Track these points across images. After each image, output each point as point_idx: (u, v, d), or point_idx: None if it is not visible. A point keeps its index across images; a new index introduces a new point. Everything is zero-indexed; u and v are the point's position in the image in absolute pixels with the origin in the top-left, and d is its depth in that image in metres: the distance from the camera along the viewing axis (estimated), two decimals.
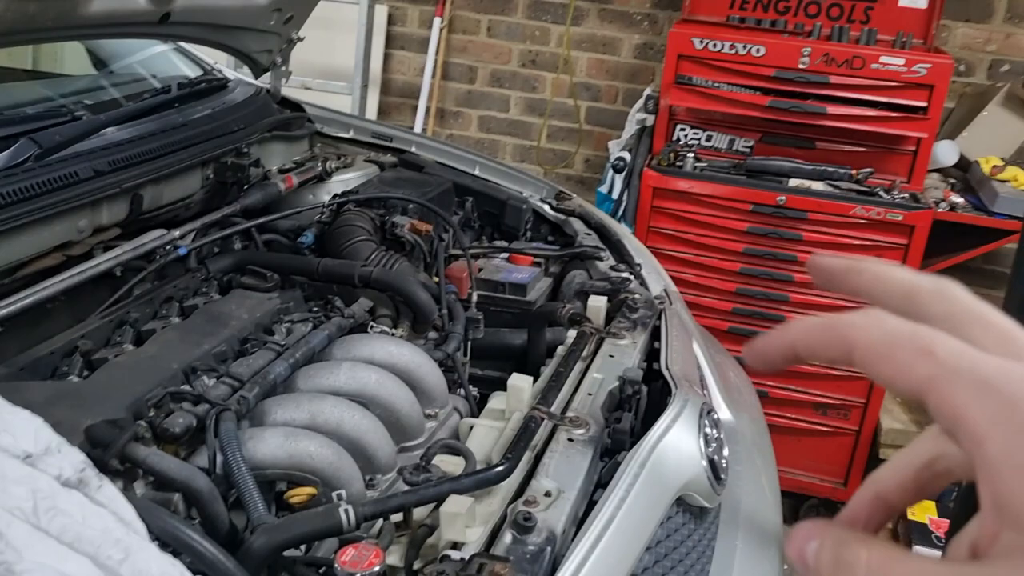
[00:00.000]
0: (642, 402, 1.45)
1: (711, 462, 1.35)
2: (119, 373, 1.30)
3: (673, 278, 2.19)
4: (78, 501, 0.96)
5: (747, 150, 3.25)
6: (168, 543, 0.98)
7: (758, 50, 3.04)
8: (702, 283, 3.21)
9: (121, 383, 1.27)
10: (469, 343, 1.76)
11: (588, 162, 4.21)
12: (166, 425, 1.20)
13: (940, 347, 0.38)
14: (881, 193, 3.06)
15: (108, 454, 1.11)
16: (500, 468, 1.18)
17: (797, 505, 3.42)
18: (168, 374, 1.30)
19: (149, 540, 0.96)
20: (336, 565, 0.98)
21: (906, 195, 3.08)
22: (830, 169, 3.10)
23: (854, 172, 3.11)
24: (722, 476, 1.39)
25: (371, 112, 4.08)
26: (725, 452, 1.42)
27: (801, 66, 3.03)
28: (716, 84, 3.10)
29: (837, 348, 0.41)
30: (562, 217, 2.26)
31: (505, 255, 2.08)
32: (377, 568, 0.98)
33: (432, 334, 1.71)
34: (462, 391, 1.66)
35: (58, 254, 1.54)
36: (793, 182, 3.10)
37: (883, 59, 2.98)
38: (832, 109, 3.04)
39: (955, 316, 0.41)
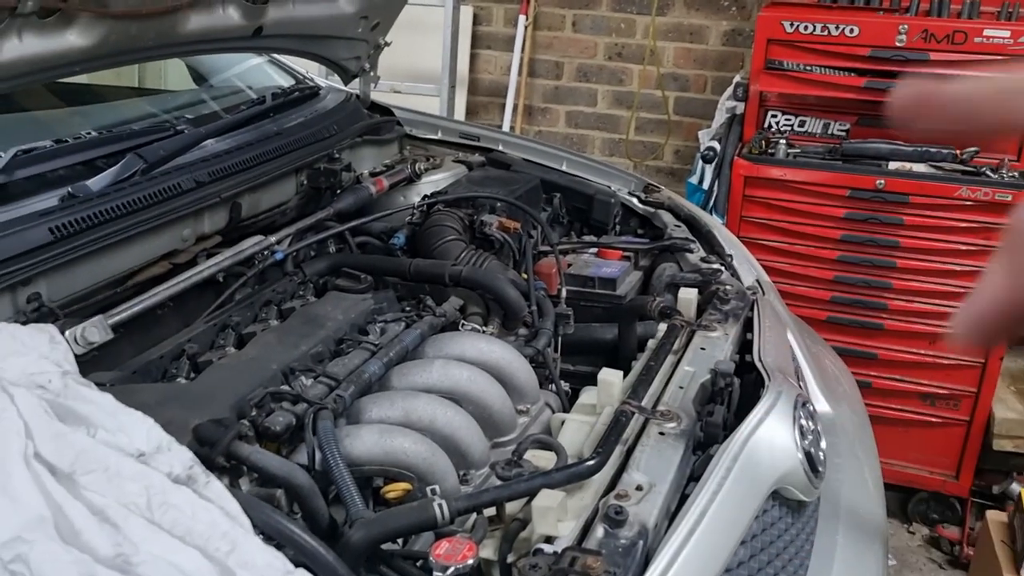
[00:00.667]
0: (735, 395, 1.43)
1: (807, 454, 1.32)
2: (223, 375, 1.36)
3: (767, 268, 2.15)
4: (187, 497, 1.01)
5: (843, 134, 3.16)
6: (271, 536, 1.02)
7: (852, 30, 2.95)
8: (798, 272, 3.13)
9: (225, 384, 1.32)
10: (559, 339, 1.77)
11: (678, 153, 4.16)
12: (267, 424, 1.25)
13: None
14: (988, 173, 2.93)
15: (215, 452, 1.16)
16: (591, 462, 1.18)
17: (906, 499, 3.31)
18: (268, 375, 1.35)
19: (254, 534, 1.00)
20: (431, 558, 1.00)
21: (1015, 174, 2.93)
22: (932, 150, 2.99)
23: (958, 152, 2.99)
24: (820, 469, 1.36)
25: (459, 112, 4.12)
26: (823, 444, 1.39)
27: (898, 44, 2.92)
28: (808, 67, 3.02)
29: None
30: (651, 210, 2.24)
31: (594, 250, 2.08)
32: (471, 561, 1.00)
33: (522, 331, 1.72)
34: (553, 387, 1.67)
35: (165, 262, 1.62)
36: (893, 165, 2.99)
37: (987, 32, 2.85)
38: None
39: None
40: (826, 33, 2.96)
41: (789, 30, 3.00)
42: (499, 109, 4.28)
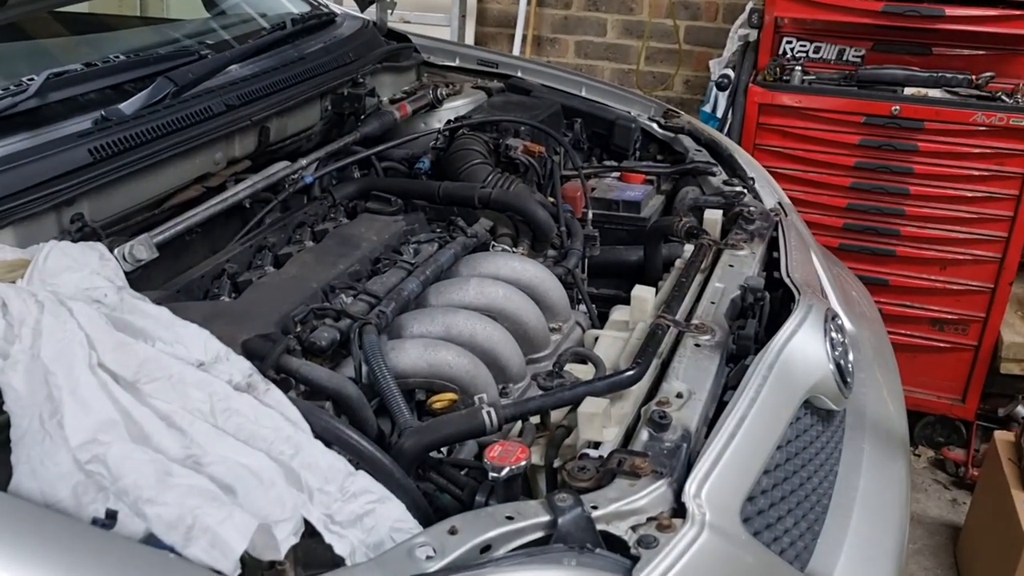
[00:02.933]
0: (765, 309, 1.46)
1: (838, 366, 1.36)
2: (265, 293, 1.38)
3: None
4: (249, 403, 1.04)
5: (858, 60, 3.14)
6: (331, 441, 1.06)
7: None
8: (811, 200, 3.14)
9: (268, 302, 1.35)
10: (586, 260, 1.79)
11: (688, 83, 4.14)
12: (313, 339, 1.28)
13: None
14: (1004, 98, 2.92)
15: (265, 365, 1.18)
16: (631, 372, 1.22)
17: (912, 423, 3.37)
18: (309, 292, 1.38)
19: (314, 438, 1.04)
20: (485, 460, 1.04)
21: None
22: (948, 75, 2.98)
23: (974, 77, 2.97)
24: (848, 380, 1.40)
25: (468, 42, 4.08)
26: (851, 356, 1.43)
27: None
28: None
29: None
30: (671, 135, 2.25)
31: (616, 174, 2.09)
32: (524, 463, 1.04)
33: (551, 252, 1.74)
34: (582, 306, 1.70)
35: (198, 185, 1.64)
36: (908, 91, 2.98)
37: None
38: (950, 11, 2.89)
39: None
40: None
41: None
42: (508, 39, 4.24)
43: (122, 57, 1.70)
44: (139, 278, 1.40)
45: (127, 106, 1.55)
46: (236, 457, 0.96)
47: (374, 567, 0.86)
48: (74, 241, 1.29)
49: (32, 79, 1.50)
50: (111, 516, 0.86)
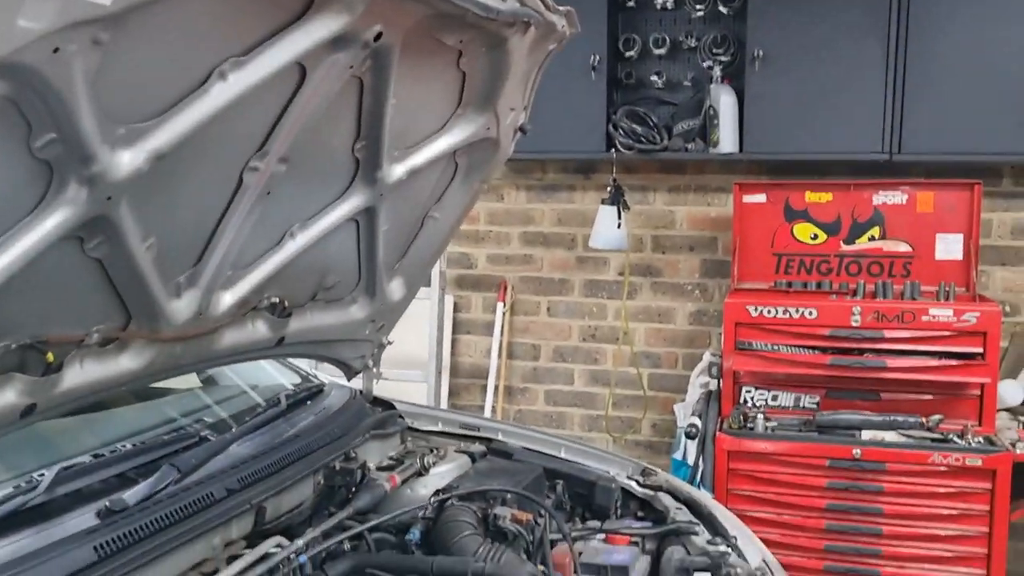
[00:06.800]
0: None
1: None
2: None
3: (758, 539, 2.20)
4: None
5: (814, 406, 3.34)
6: None
7: (810, 312, 3.22)
8: (787, 542, 3.18)
9: None
10: None
11: (655, 426, 4.31)
12: None
13: None
14: (955, 439, 3.10)
15: None
16: None
17: None
18: None
19: None
20: None
21: (981, 439, 3.10)
22: (900, 418, 3.17)
23: (924, 420, 3.16)
24: None
25: (443, 395, 4.27)
26: None
27: (854, 324, 3.19)
28: (776, 347, 3.25)
29: None
30: (650, 493, 2.32)
31: (601, 536, 2.13)
32: None
33: None
34: None
35: (195, 573, 1.64)
36: (866, 434, 3.15)
37: (932, 311, 3.14)
38: (891, 362, 3.15)
39: None
40: (788, 316, 3.23)
41: (754, 314, 3.26)
42: (480, 390, 4.45)
43: (128, 445, 1.79)
44: None
45: (131, 496, 1.60)
46: None
47: None
48: None
49: (42, 474, 1.56)
50: None
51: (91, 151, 1.14)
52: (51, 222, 1.18)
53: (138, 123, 1.21)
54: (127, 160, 1.20)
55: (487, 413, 4.26)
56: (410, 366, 4.03)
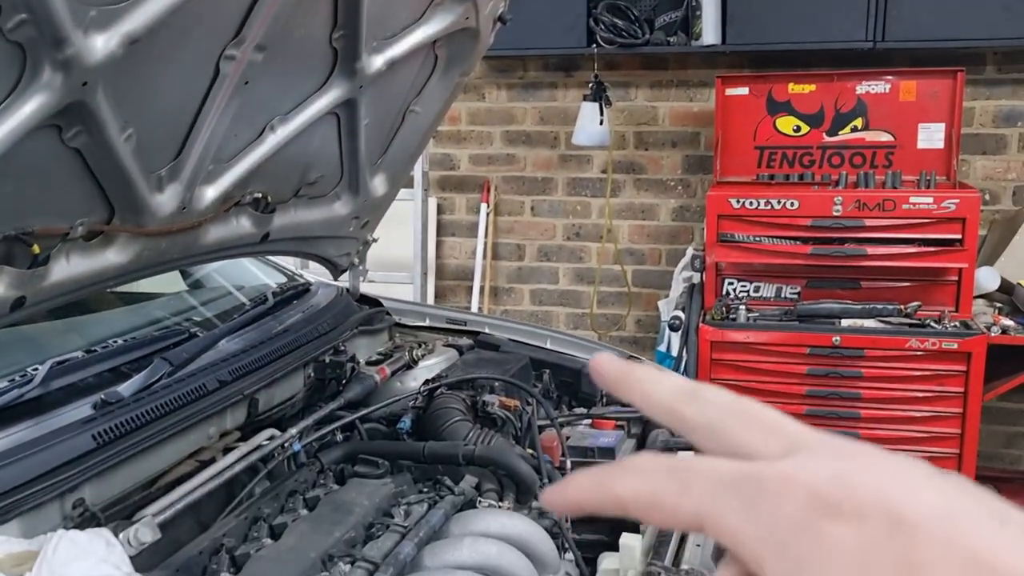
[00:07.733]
0: None
1: None
2: (264, 566, 1.41)
3: None
4: None
5: (795, 296, 3.39)
6: None
7: (792, 203, 3.24)
8: None
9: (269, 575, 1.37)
10: None
11: (640, 323, 4.37)
12: None
13: (695, 479, 0.37)
14: (932, 324, 3.16)
15: None
16: None
17: None
18: (308, 563, 1.41)
19: None
20: None
21: (957, 323, 3.17)
22: (879, 306, 3.22)
23: (902, 307, 3.23)
24: None
25: (429, 296, 4.30)
26: None
27: (835, 213, 3.21)
28: (758, 238, 3.28)
29: (612, 506, 0.39)
30: None
31: (588, 421, 2.19)
32: None
33: (535, 503, 1.80)
34: (569, 554, 1.74)
35: (191, 460, 1.69)
36: (845, 322, 3.21)
37: (912, 199, 3.16)
38: (872, 250, 3.19)
39: (712, 421, 0.40)
40: (770, 207, 3.25)
41: (736, 206, 3.27)
42: (466, 291, 4.48)
43: (120, 341, 1.81)
44: (135, 558, 1.42)
45: (125, 388, 1.63)
46: None
47: None
48: (76, 527, 1.32)
49: (36, 368, 1.59)
50: None
51: (63, 33, 1.12)
52: (28, 108, 1.16)
53: (109, 5, 1.18)
54: (100, 44, 1.18)
55: None
56: (396, 268, 4.05)
